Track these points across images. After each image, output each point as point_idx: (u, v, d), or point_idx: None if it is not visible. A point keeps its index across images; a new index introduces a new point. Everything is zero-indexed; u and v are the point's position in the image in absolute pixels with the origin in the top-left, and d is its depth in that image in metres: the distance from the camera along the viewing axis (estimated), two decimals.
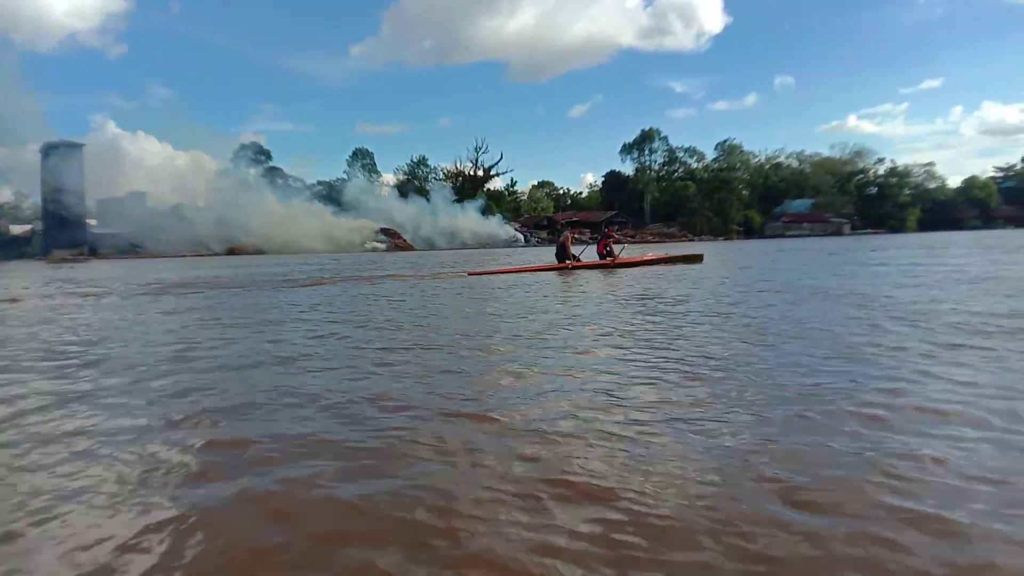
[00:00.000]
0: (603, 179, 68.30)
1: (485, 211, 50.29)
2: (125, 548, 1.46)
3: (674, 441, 2.07)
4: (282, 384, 2.98)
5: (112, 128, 57.76)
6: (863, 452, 1.94)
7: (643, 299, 6.33)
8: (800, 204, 65.92)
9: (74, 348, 4.21)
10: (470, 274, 11.66)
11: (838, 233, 58.13)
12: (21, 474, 1.92)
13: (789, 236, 55.19)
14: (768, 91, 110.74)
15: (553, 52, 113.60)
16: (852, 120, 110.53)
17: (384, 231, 44.42)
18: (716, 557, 1.38)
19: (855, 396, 2.54)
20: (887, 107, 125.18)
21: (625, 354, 3.52)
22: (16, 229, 46.29)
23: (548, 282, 9.29)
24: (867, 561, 1.35)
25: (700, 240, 54.09)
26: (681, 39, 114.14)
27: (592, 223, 56.99)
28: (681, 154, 67.82)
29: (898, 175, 69.47)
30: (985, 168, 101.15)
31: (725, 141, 70.44)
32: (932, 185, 72.72)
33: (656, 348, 3.68)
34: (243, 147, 59.17)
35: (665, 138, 66.39)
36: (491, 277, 10.86)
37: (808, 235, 55.48)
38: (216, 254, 38.32)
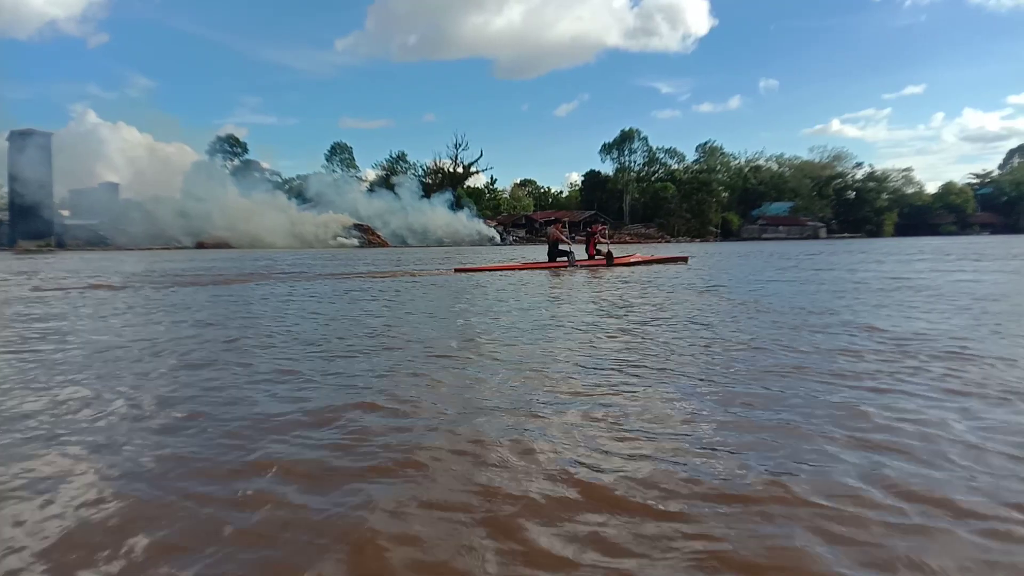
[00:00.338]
0: (583, 179, 68.42)
1: (455, 205, 49.50)
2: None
3: None
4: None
5: (92, 118, 56.89)
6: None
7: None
8: (779, 207, 66.40)
9: None
10: (457, 271, 11.81)
11: (814, 236, 58.60)
12: None
13: (765, 239, 55.57)
14: (753, 94, 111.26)
15: (539, 50, 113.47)
16: (835, 124, 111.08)
17: (358, 227, 44.13)
18: None
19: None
20: (870, 112, 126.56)
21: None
22: None
23: (555, 283, 9.14)
24: None
25: (677, 241, 54.33)
26: (667, 40, 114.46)
27: (570, 223, 57.14)
28: (661, 155, 68.17)
29: (876, 180, 70.16)
30: (963, 175, 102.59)
31: (706, 143, 70.92)
32: (910, 190, 73.55)
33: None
34: (219, 139, 58.81)
35: (645, 138, 66.71)
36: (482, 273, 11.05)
37: (784, 238, 55.89)
38: (184, 247, 37.92)
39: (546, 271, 11.66)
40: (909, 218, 70.37)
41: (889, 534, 1.46)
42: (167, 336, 4.45)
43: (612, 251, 13.05)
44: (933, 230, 67.34)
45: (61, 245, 40.50)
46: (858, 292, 7.00)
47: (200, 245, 39.05)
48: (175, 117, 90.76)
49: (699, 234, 60.57)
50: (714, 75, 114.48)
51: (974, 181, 78.71)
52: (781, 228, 60.77)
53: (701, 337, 4.05)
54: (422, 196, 49.69)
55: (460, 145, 63.61)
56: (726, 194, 66.79)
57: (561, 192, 75.14)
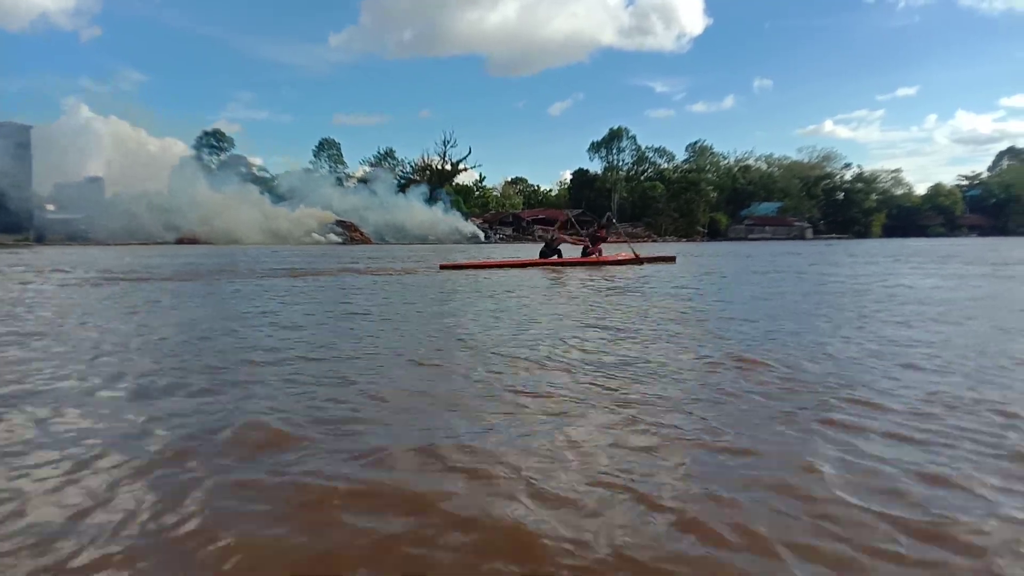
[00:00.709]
0: (571, 177, 68.33)
1: (430, 199, 48.78)
2: None
3: None
4: None
5: (85, 111, 56.29)
6: None
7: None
8: (767, 207, 66.41)
9: None
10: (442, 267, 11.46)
11: (800, 237, 58.60)
12: None
13: (751, 239, 55.54)
14: (747, 93, 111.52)
15: (534, 47, 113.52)
16: (828, 125, 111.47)
17: (340, 223, 43.81)
18: None
19: None
20: (863, 112, 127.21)
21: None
22: None
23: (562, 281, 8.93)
24: None
25: (663, 241, 54.23)
26: (662, 39, 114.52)
27: (557, 220, 56.91)
28: (651, 154, 68.08)
29: (865, 181, 70.26)
30: (952, 176, 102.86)
31: (696, 142, 70.92)
32: (899, 191, 73.70)
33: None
34: (204, 134, 58.39)
35: (633, 137, 66.58)
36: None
37: (770, 239, 55.86)
38: (163, 243, 37.61)
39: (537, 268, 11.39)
40: (898, 219, 70.53)
41: None
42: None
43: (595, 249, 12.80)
44: (922, 232, 67.47)
45: (40, 239, 40.14)
46: (769, 299, 6.85)
47: (180, 241, 38.77)
48: (152, 111, 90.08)
49: (686, 234, 60.51)
50: (708, 74, 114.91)
51: (963, 183, 79.00)
52: (767, 228, 60.76)
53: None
54: (398, 191, 49.21)
55: (448, 142, 63.41)
56: (715, 194, 66.75)
57: (551, 190, 75.06)
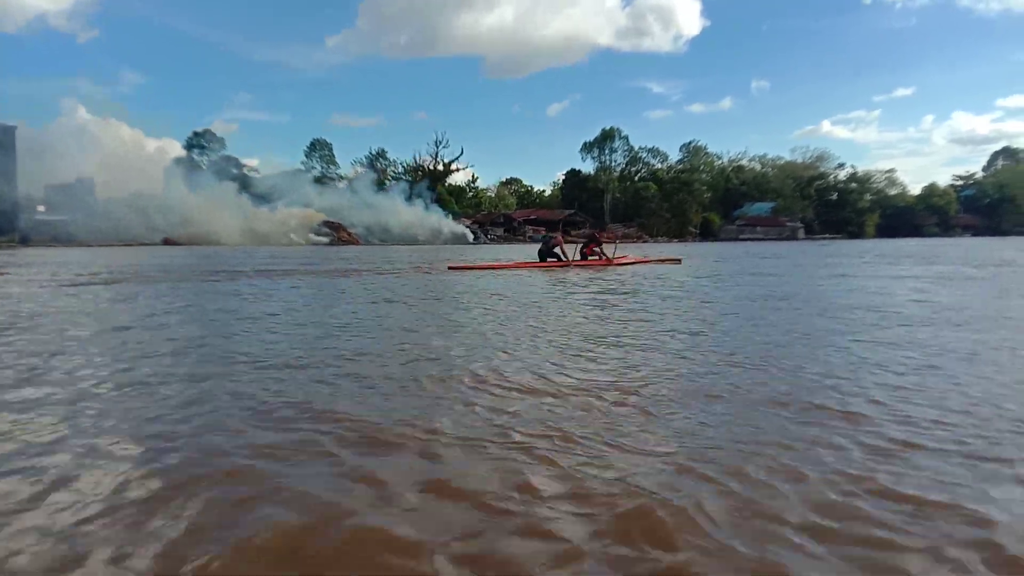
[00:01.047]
0: (564, 177, 68.10)
1: (409, 197, 48.17)
2: None
3: None
4: None
5: (81, 113, 56.01)
6: None
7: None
8: (760, 207, 66.21)
9: None
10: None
11: (792, 237, 58.43)
12: None
13: (742, 239, 55.35)
14: (744, 95, 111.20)
15: (531, 49, 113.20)
16: (826, 125, 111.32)
17: (328, 224, 43.60)
18: None
19: None
20: (860, 113, 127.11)
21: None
22: None
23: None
24: None
25: (655, 241, 54.02)
26: (659, 40, 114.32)
27: (549, 221, 56.71)
28: (644, 154, 67.88)
29: (858, 181, 70.09)
30: (948, 176, 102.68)
31: (690, 143, 70.71)
32: (893, 191, 73.54)
33: None
34: (195, 135, 58.18)
35: (626, 138, 66.39)
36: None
37: (761, 239, 55.66)
38: (149, 244, 37.43)
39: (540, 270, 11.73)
40: (892, 219, 70.33)
41: None
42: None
43: (610, 254, 13.26)
44: (916, 231, 67.29)
45: (24, 241, 39.92)
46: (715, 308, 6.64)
47: (166, 242, 38.62)
48: (147, 112, 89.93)
49: (678, 234, 60.33)
50: (706, 76, 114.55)
51: (958, 183, 78.84)
52: (759, 229, 60.54)
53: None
54: (377, 191, 48.88)
55: (441, 143, 63.17)
56: (708, 194, 66.58)
57: (544, 191, 74.91)
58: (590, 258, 12.95)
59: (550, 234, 14.33)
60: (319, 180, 54.46)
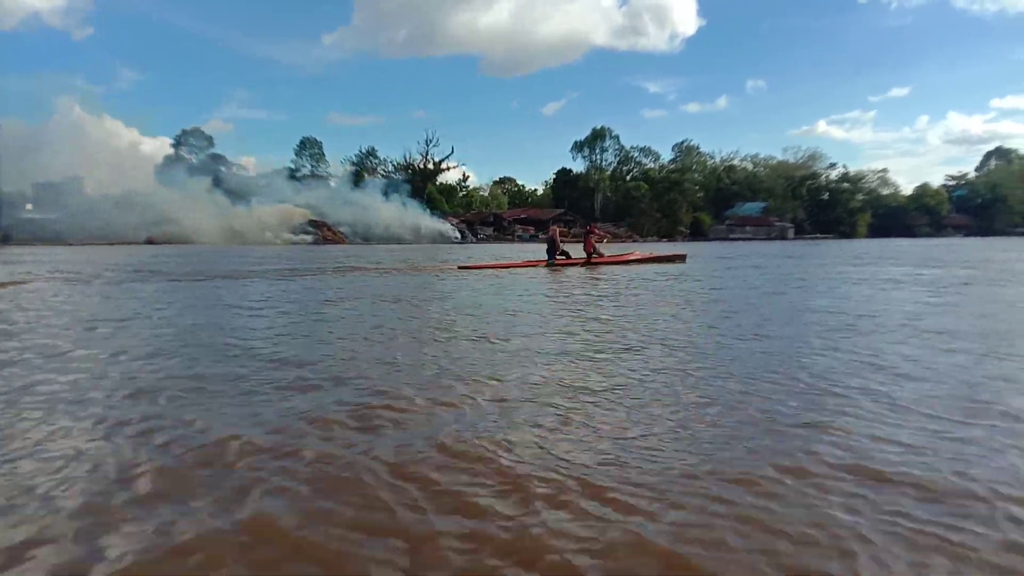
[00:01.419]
0: (554, 176, 67.90)
1: (385, 193, 47.59)
2: None
3: None
4: None
5: (75, 111, 55.69)
6: None
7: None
8: (752, 207, 66.07)
9: None
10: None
11: (781, 237, 58.34)
12: None
13: (732, 239, 55.26)
14: (740, 94, 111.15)
15: (528, 48, 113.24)
16: (822, 125, 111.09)
17: (313, 223, 43.35)
18: None
19: None
20: (856, 113, 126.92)
21: None
22: None
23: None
24: None
25: (645, 241, 53.89)
26: (655, 40, 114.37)
27: (539, 220, 56.54)
28: (636, 154, 67.73)
29: (850, 180, 69.96)
30: (942, 176, 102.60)
31: (683, 142, 70.53)
32: (885, 191, 73.41)
33: None
34: (184, 133, 57.99)
35: (616, 137, 66.22)
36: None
37: (751, 239, 55.56)
38: (133, 243, 37.26)
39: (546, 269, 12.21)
40: (884, 219, 70.21)
41: None
42: None
43: (601, 252, 13.51)
44: (908, 232, 67.16)
45: (6, 240, 39.65)
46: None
47: (149, 241, 38.45)
48: (142, 110, 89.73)
49: (669, 234, 60.19)
50: (702, 75, 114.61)
51: (950, 183, 78.77)
52: (748, 228, 60.42)
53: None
54: (354, 188, 48.52)
55: (431, 141, 62.93)
56: (700, 194, 66.43)
57: (535, 190, 74.73)
58: (592, 256, 13.23)
59: (553, 228, 14.66)
60: (302, 178, 54.08)
